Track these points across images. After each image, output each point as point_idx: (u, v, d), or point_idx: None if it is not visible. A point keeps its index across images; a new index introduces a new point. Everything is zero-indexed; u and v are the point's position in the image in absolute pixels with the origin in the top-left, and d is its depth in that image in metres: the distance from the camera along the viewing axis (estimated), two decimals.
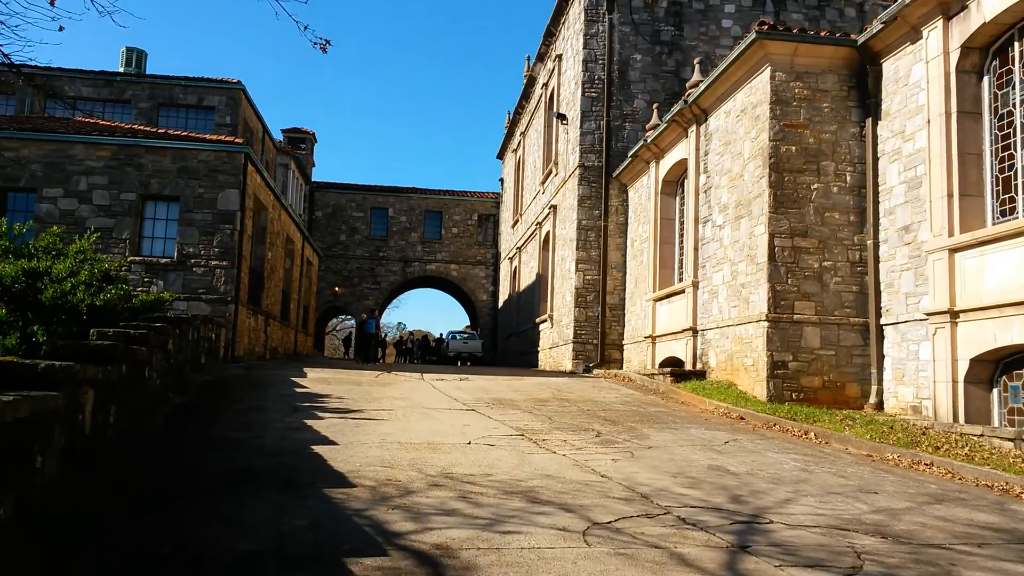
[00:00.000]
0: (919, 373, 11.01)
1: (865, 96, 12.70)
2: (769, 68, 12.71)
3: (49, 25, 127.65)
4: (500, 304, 38.24)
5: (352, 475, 6.08)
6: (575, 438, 8.66)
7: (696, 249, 15.51)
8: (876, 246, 12.30)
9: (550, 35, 25.87)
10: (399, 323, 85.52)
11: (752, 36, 12.45)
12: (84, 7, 16.25)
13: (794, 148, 12.65)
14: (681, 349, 15.93)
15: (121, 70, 28.09)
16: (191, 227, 16.59)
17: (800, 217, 12.56)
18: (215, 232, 16.54)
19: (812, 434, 9.84)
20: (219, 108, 25.97)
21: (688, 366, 15.32)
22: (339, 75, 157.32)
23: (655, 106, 19.15)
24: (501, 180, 40.04)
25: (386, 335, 43.79)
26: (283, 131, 39.34)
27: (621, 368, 20.30)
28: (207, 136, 18.27)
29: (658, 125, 18.41)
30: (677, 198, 18.02)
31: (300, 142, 39.87)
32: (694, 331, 15.27)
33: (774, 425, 10.52)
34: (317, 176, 42.82)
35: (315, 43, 7.05)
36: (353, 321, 54.05)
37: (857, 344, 12.42)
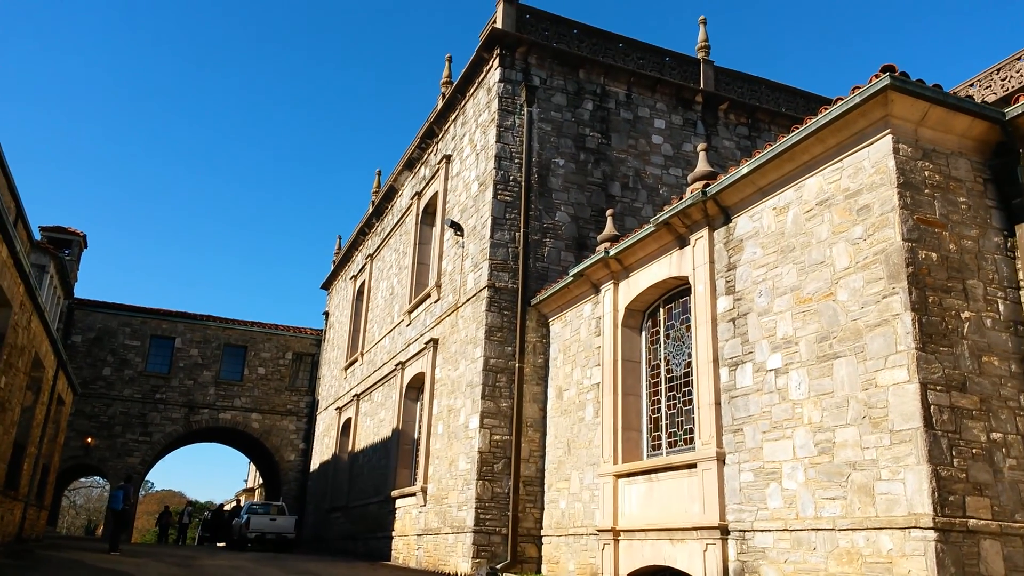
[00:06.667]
0: None
1: (1010, 193, 8.86)
2: (890, 136, 8.54)
3: None
4: (314, 467, 30.50)
5: None
6: None
7: (717, 404, 10.48)
8: None
9: (431, 135, 21.15)
10: (145, 480, 71.93)
11: (881, 83, 8.27)
12: None
13: (935, 256, 8.33)
14: (689, 558, 10.43)
15: None
16: None
17: (953, 361, 8.04)
18: None
19: None
20: None
21: None
22: (122, 177, 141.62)
23: (609, 213, 14.59)
24: (326, 314, 33.46)
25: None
26: (42, 228, 30.47)
27: (539, 573, 14.27)
28: None
29: (617, 236, 13.79)
30: (646, 333, 13.16)
31: (65, 245, 31.06)
32: (723, 531, 9.93)
33: None
34: (82, 292, 33.71)
35: None
36: (103, 482, 42.70)
37: None
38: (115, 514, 19.73)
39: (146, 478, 67.53)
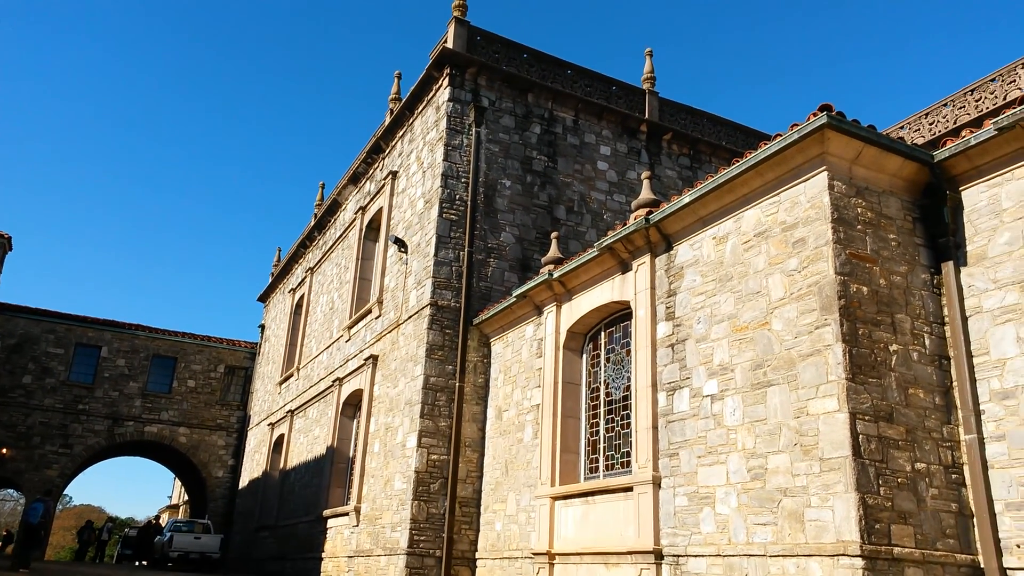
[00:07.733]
0: None
1: (936, 233, 9.26)
2: (826, 173, 8.85)
3: None
4: (243, 484, 29.65)
5: None
6: None
7: (655, 428, 10.60)
8: (981, 444, 8.34)
9: (377, 150, 21.03)
10: (63, 494, 68.74)
11: (819, 121, 8.58)
12: None
13: (865, 290, 8.62)
14: None
15: None
16: None
17: (881, 392, 8.31)
18: None
19: None
20: None
21: None
22: (53, 179, 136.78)
23: (554, 235, 14.70)
24: (262, 327, 32.74)
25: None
26: None
27: None
28: None
29: (561, 259, 13.90)
30: (587, 356, 13.26)
31: None
32: (658, 555, 10.00)
33: None
34: (5, 296, 32.23)
35: None
36: (17, 495, 40.81)
37: None
38: (28, 528, 18.80)
39: (64, 492, 64.50)
